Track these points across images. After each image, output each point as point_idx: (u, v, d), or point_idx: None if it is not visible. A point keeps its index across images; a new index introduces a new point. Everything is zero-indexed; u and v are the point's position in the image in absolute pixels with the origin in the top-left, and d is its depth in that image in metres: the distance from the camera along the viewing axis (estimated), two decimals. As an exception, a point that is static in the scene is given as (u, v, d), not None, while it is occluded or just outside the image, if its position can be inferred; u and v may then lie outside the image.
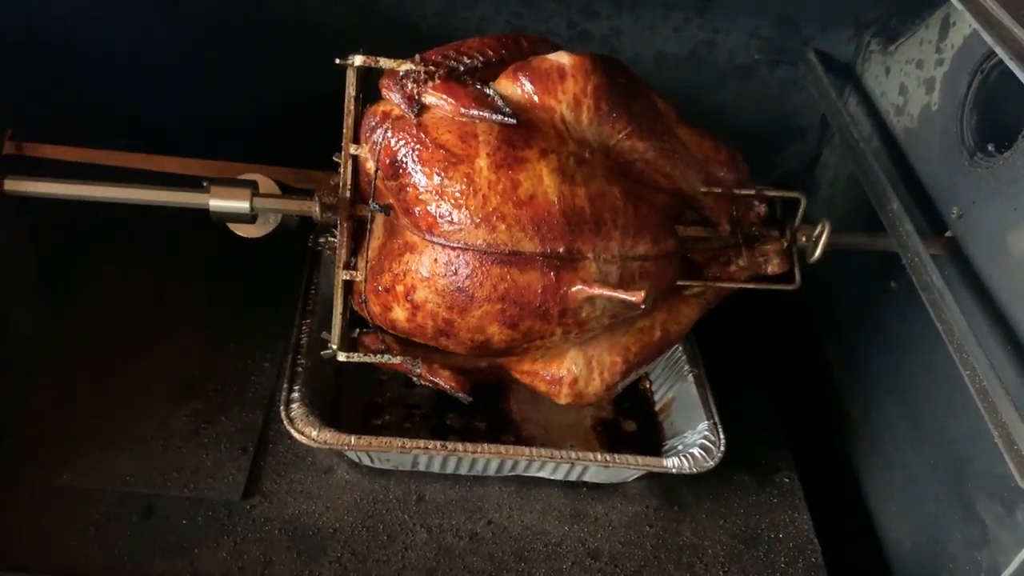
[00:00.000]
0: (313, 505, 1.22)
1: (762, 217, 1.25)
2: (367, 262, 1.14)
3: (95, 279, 1.48)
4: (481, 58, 1.10)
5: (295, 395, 1.20)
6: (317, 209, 1.15)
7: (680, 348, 1.40)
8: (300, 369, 1.24)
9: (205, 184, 1.17)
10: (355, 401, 1.33)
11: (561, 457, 1.20)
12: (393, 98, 1.08)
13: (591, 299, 1.08)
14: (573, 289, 1.06)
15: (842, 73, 1.58)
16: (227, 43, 1.48)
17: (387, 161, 1.07)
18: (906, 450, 1.29)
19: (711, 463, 1.23)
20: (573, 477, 1.27)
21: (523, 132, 1.05)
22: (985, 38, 1.06)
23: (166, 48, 1.50)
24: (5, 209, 1.25)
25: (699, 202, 1.22)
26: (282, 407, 1.19)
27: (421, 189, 1.05)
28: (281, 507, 1.21)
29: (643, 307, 1.08)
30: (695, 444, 1.26)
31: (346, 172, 1.13)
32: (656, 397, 1.43)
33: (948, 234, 1.22)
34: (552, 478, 1.27)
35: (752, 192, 1.24)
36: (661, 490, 1.30)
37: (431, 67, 1.07)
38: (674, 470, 1.22)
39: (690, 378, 1.36)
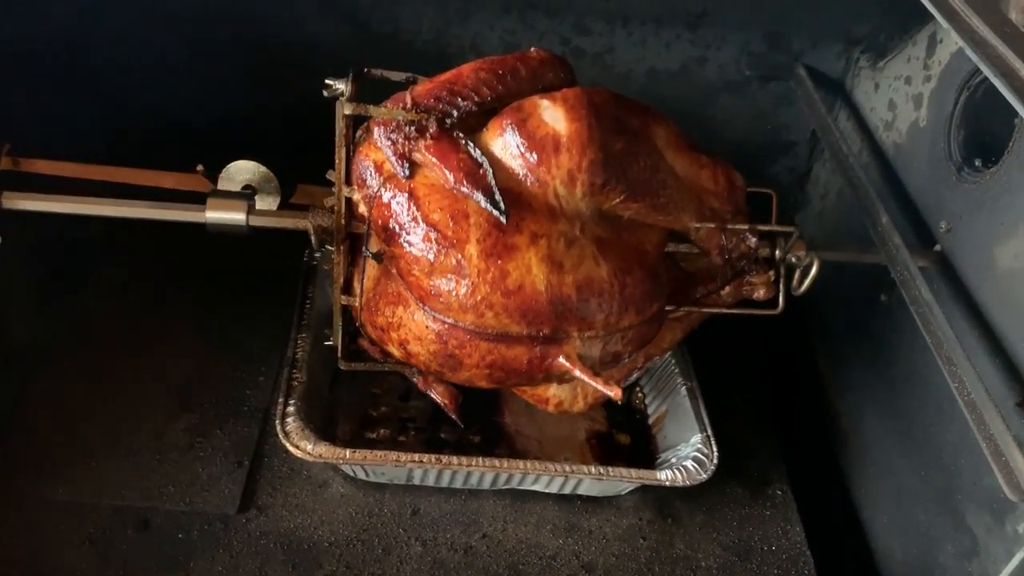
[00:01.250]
0: (308, 519, 1.22)
1: (753, 249, 1.24)
2: (363, 290, 1.16)
3: (90, 291, 1.49)
4: (476, 98, 1.06)
5: (290, 409, 1.21)
6: (312, 232, 1.17)
7: (673, 361, 1.41)
8: (295, 383, 1.24)
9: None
10: (350, 415, 1.34)
11: (555, 470, 1.21)
12: (384, 152, 1.07)
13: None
14: (558, 360, 1.11)
15: (832, 88, 1.60)
16: (223, 58, 1.49)
17: (379, 223, 1.08)
18: (896, 461, 1.30)
19: (704, 476, 1.24)
20: (567, 490, 1.28)
21: (514, 213, 1.04)
22: (970, 56, 1.08)
23: (163, 63, 1.51)
24: (2, 224, 1.25)
25: (690, 235, 1.23)
26: (277, 421, 1.19)
27: (412, 265, 1.06)
28: (276, 521, 1.21)
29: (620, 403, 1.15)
30: (688, 457, 1.27)
31: (340, 207, 1.13)
32: (649, 410, 1.44)
33: (937, 248, 1.24)
34: (546, 491, 1.27)
35: (744, 228, 1.23)
36: (655, 503, 1.31)
37: (423, 114, 1.04)
38: (667, 483, 1.23)
39: (683, 391, 1.36)
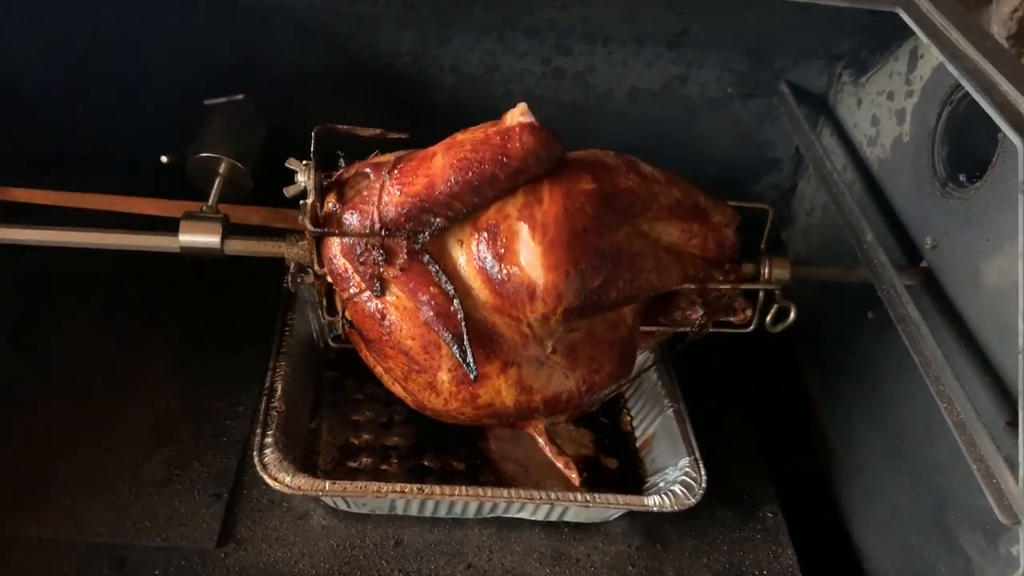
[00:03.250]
0: (289, 552, 1.19)
1: (734, 299, 1.25)
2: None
3: (67, 322, 1.46)
4: (450, 213, 1.02)
5: (268, 440, 1.18)
6: (289, 269, 1.16)
7: (659, 383, 1.39)
8: (274, 413, 1.22)
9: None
10: (331, 444, 1.31)
11: (540, 498, 1.18)
12: (354, 276, 1.06)
13: None
14: (528, 429, 1.20)
15: (815, 105, 1.59)
16: (203, 82, 1.48)
17: (355, 321, 1.10)
18: (888, 481, 1.28)
19: (692, 501, 1.21)
20: (554, 517, 1.25)
21: (485, 344, 1.06)
22: (951, 71, 1.08)
23: (140, 88, 1.50)
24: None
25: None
26: (255, 453, 1.17)
27: (386, 371, 1.14)
28: (256, 555, 1.18)
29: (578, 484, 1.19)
30: (676, 481, 1.24)
31: (320, 295, 1.15)
32: (637, 433, 1.41)
33: (923, 264, 1.22)
34: (532, 519, 1.25)
35: (726, 287, 1.22)
36: (643, 528, 1.28)
37: (393, 236, 1.01)
38: (655, 508, 1.21)
39: (670, 413, 1.34)
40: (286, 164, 1.09)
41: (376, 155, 1.14)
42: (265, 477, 1.14)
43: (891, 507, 1.26)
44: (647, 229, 1.13)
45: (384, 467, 1.30)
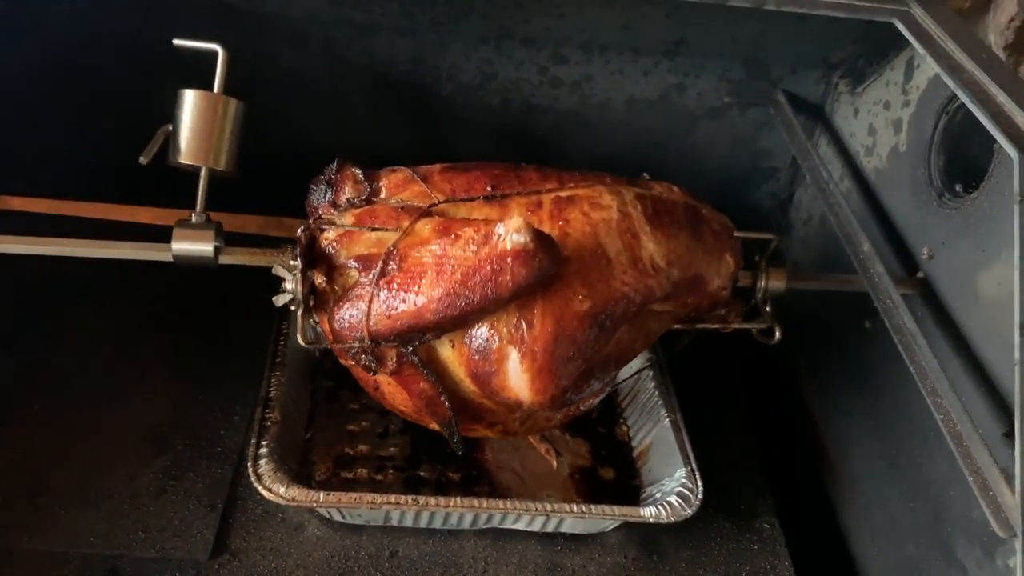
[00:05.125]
0: (283, 563, 1.18)
1: (728, 314, 1.28)
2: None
3: (62, 333, 1.45)
4: (439, 332, 1.02)
5: (263, 451, 1.18)
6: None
7: (656, 393, 1.39)
8: (268, 423, 1.22)
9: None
10: (326, 454, 1.31)
11: (536, 509, 1.18)
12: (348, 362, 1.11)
13: None
14: None
15: (812, 114, 1.59)
16: (200, 86, 1.48)
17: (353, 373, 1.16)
18: (886, 492, 1.27)
19: (689, 512, 1.21)
20: (550, 528, 1.24)
21: (471, 417, 1.12)
22: (947, 82, 1.07)
23: (135, 96, 1.49)
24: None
25: None
26: (249, 463, 1.16)
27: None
28: (250, 566, 1.18)
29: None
30: (673, 492, 1.24)
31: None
32: (634, 443, 1.41)
33: (920, 275, 1.22)
34: (528, 530, 1.24)
35: (715, 327, 1.25)
36: (640, 539, 1.28)
37: (384, 347, 1.03)
38: (651, 519, 1.20)
39: (667, 423, 1.34)
40: (272, 272, 1.11)
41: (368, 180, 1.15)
42: (259, 488, 1.14)
43: (889, 518, 1.26)
44: (640, 319, 1.12)
45: (380, 477, 1.29)
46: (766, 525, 1.34)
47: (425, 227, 1.05)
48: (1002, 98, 1.03)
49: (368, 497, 1.14)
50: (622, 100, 1.56)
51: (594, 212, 1.08)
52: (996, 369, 1.04)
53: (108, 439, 1.31)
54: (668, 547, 1.28)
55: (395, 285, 1.01)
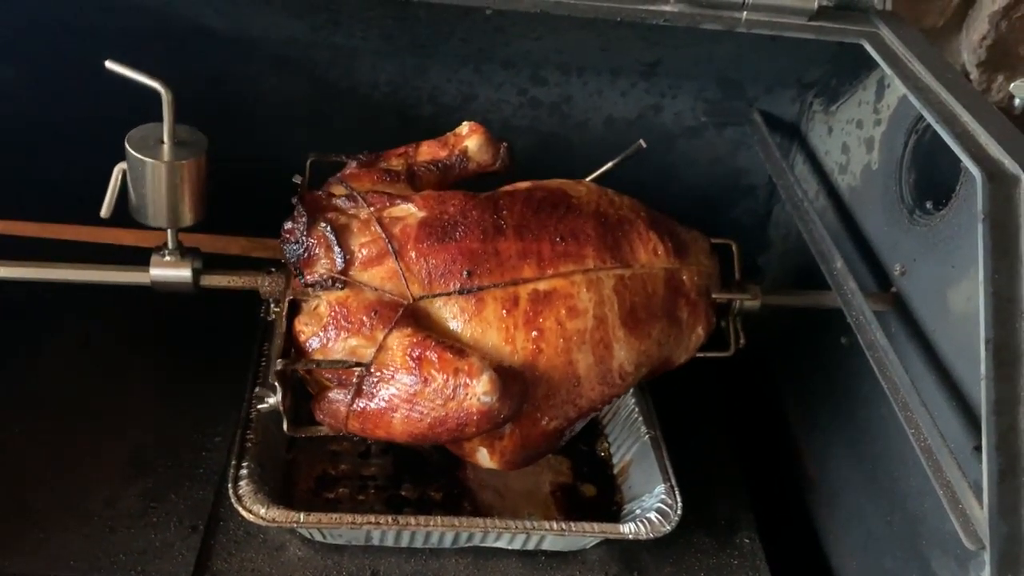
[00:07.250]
0: (264, 584, 1.19)
1: None
2: None
3: (41, 355, 1.46)
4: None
5: (243, 471, 1.18)
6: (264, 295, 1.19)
7: (636, 409, 1.40)
8: (249, 444, 1.22)
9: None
10: (308, 474, 1.31)
11: (516, 527, 1.18)
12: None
13: None
14: None
15: (788, 133, 1.61)
16: (183, 111, 1.49)
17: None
18: (864, 506, 1.28)
19: (668, 528, 1.22)
20: (530, 546, 1.25)
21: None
22: (913, 102, 1.10)
23: (117, 119, 1.50)
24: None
25: None
26: (230, 484, 1.17)
27: None
28: (231, 588, 1.18)
29: None
30: (652, 508, 1.25)
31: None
32: (614, 460, 1.42)
33: (893, 291, 1.24)
34: (509, 548, 1.25)
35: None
36: (621, 555, 1.28)
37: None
38: (631, 536, 1.21)
39: (647, 439, 1.35)
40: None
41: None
42: (240, 509, 1.14)
43: (867, 531, 1.27)
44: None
45: (361, 497, 1.30)
46: (746, 540, 1.35)
47: (399, 345, 1.04)
48: (966, 118, 1.05)
49: (348, 517, 1.14)
50: (600, 120, 1.58)
51: (569, 321, 1.08)
52: (967, 384, 1.06)
53: (89, 462, 1.30)
54: (649, 563, 1.29)
55: (368, 412, 1.07)
